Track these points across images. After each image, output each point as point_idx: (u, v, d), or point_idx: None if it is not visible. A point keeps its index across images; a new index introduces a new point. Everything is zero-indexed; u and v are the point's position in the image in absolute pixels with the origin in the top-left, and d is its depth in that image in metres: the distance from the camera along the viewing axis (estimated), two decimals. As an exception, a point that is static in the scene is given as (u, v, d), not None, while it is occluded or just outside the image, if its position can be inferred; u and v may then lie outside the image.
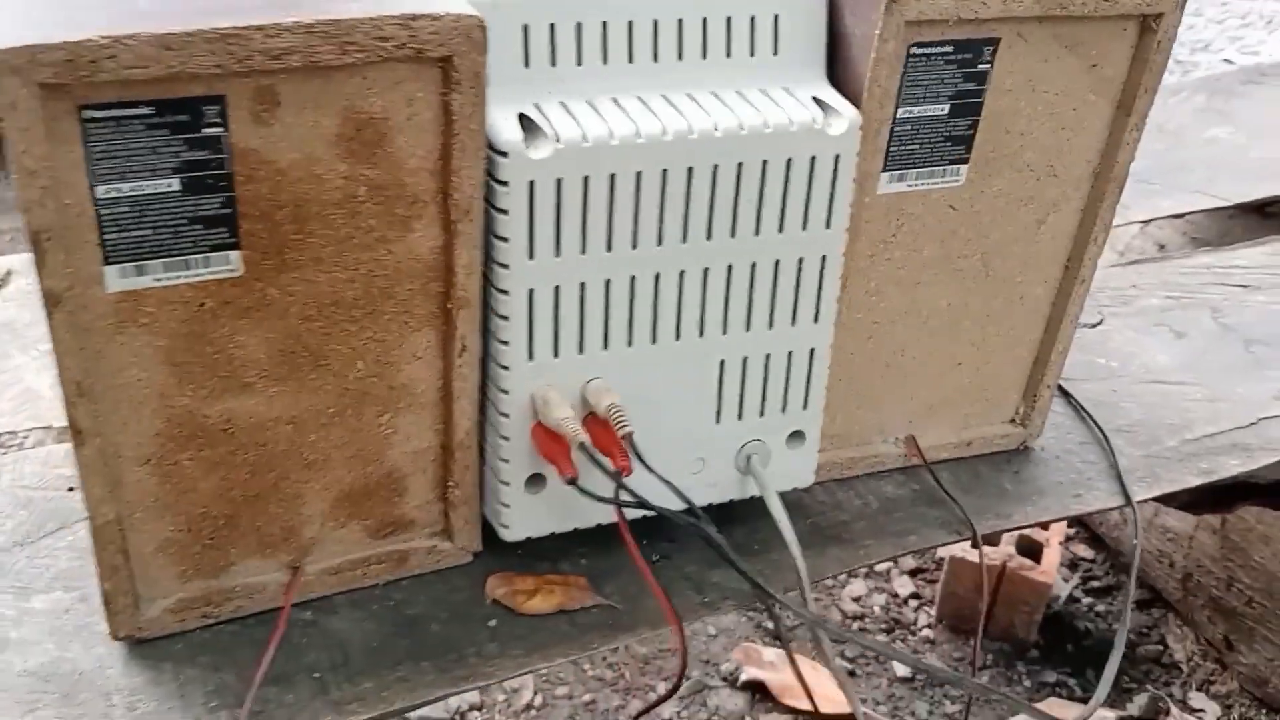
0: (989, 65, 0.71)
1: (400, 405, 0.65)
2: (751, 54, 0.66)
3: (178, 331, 0.57)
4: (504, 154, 0.59)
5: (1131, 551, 1.54)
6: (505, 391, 0.65)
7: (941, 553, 1.58)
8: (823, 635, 0.68)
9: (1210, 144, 1.54)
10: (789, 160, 0.65)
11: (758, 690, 1.39)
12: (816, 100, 0.66)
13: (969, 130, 0.73)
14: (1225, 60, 2.89)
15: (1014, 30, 0.70)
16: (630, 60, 0.64)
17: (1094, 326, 1.14)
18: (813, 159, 0.66)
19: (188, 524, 0.64)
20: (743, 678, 1.39)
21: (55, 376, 0.56)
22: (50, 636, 0.67)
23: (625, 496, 0.63)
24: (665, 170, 0.62)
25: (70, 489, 0.78)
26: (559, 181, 0.60)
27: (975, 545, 0.82)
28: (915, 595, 1.57)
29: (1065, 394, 0.99)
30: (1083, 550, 1.66)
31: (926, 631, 1.56)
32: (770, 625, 1.49)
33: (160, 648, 0.67)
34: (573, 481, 0.63)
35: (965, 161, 0.74)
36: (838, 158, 0.66)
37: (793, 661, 0.69)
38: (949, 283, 0.80)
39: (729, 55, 0.66)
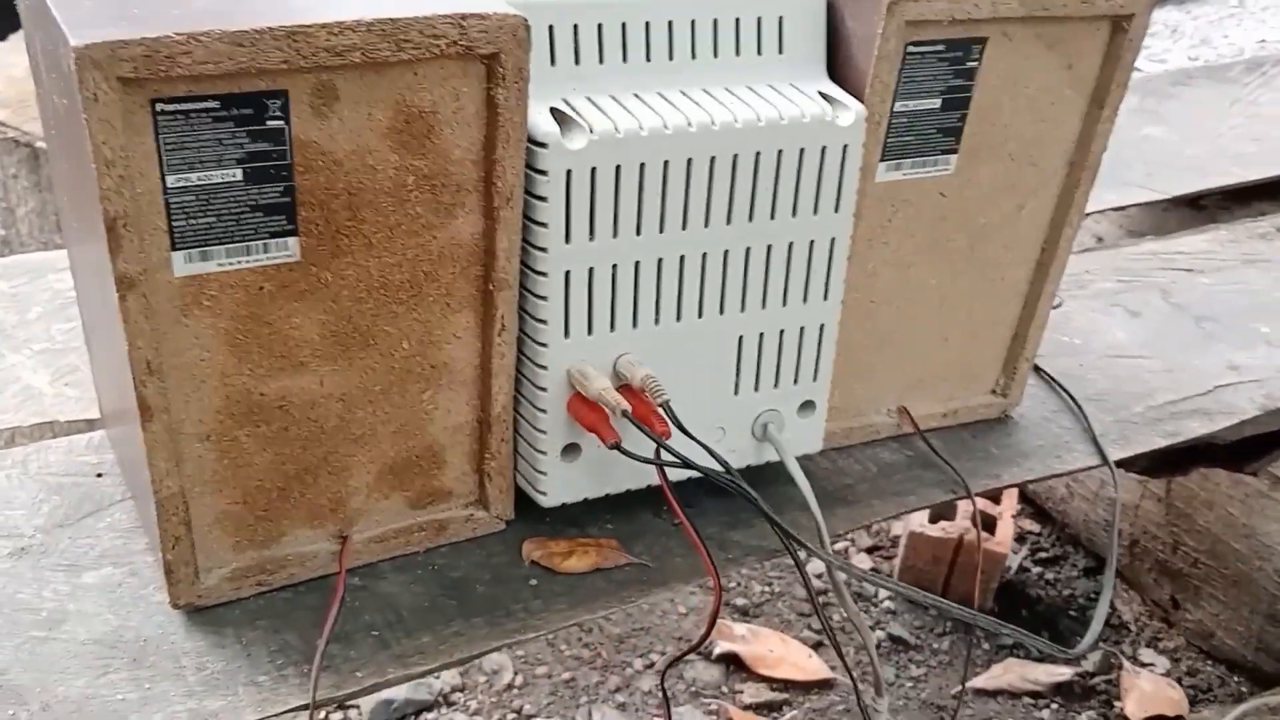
0: (977, 62, 0.71)
1: (441, 382, 0.65)
2: (759, 53, 0.67)
3: (238, 314, 0.57)
4: (543, 145, 0.58)
5: (1078, 523, 1.56)
6: (544, 367, 0.65)
7: (896, 530, 1.60)
8: (840, 578, 0.68)
9: (1145, 141, 1.56)
10: (802, 150, 0.65)
11: (732, 662, 1.40)
12: (823, 95, 0.67)
13: (958, 123, 0.73)
14: (1136, 68, 2.94)
15: (1000, 30, 0.71)
16: (648, 59, 0.64)
17: (1056, 308, 1.15)
18: (823, 149, 0.66)
19: (243, 496, 0.64)
20: (716, 651, 1.40)
21: (123, 356, 0.55)
22: (109, 608, 0.66)
23: (667, 457, 0.63)
24: (690, 159, 0.62)
25: (99, 475, 0.76)
26: (593, 170, 0.60)
27: (972, 504, 0.83)
28: (874, 570, 1.58)
29: (1037, 369, 1.00)
30: (1029, 524, 1.67)
31: (887, 603, 1.56)
32: (741, 602, 1.50)
33: (219, 614, 0.66)
34: (617, 446, 0.63)
35: (955, 152, 0.75)
36: (846, 147, 0.66)
37: (823, 617, 0.70)
38: (938, 264, 0.80)
39: (738, 54, 0.66)
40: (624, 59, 0.63)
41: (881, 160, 0.73)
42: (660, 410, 0.63)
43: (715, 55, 0.65)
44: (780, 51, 0.67)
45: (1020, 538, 1.65)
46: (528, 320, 0.64)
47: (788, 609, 1.54)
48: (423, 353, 0.63)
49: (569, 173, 0.59)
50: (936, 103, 0.72)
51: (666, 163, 0.62)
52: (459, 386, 0.66)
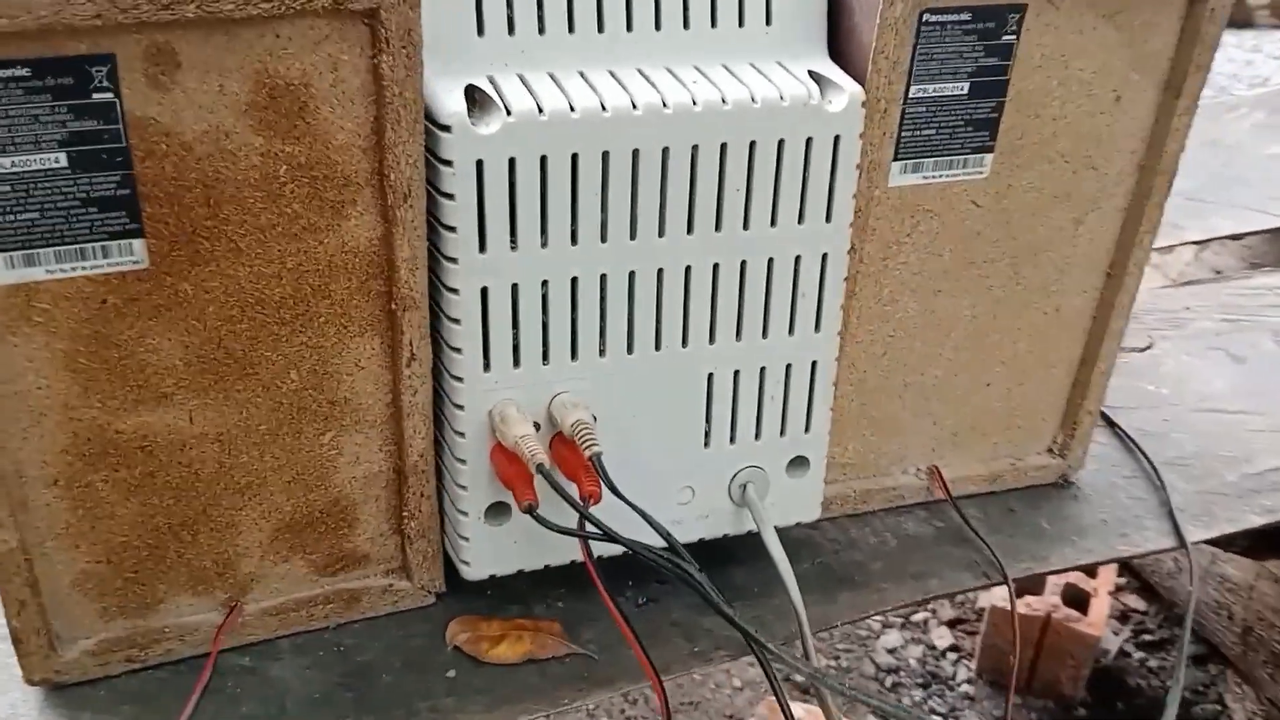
0: (1014, 37, 0.62)
1: (344, 422, 0.57)
2: (741, 24, 0.58)
3: (78, 332, 0.50)
4: (447, 128, 0.51)
5: (1186, 601, 1.42)
6: (460, 407, 0.57)
7: (982, 602, 1.47)
8: (825, 691, 0.58)
9: (1272, 161, 1.43)
10: (781, 141, 0.56)
11: (784, 750, 1.28)
12: (813, 75, 0.58)
13: (993, 113, 0.64)
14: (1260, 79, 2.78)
15: (1041, -4, 0.61)
16: (600, 30, 0.56)
17: (1143, 350, 1.04)
18: (809, 140, 0.57)
19: (107, 554, 0.56)
20: (767, 734, 1.28)
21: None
22: (-34, 681, 0.59)
23: (591, 528, 0.53)
24: (636, 150, 0.54)
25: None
26: (511, 161, 0.52)
27: (1008, 591, 0.72)
28: (954, 648, 1.46)
29: (1110, 423, 0.89)
30: (1134, 601, 1.53)
31: (966, 687, 1.44)
32: (799, 679, 1.39)
33: (80, 694, 0.59)
34: (531, 510, 0.54)
35: (989, 150, 0.65)
36: (837, 139, 0.57)
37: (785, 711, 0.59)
38: (973, 291, 0.70)
39: (714, 25, 0.58)
40: (570, 30, 0.55)
41: (895, 159, 0.63)
42: (591, 464, 0.54)
43: (686, 27, 0.57)
44: (768, 23, 0.59)
45: (1123, 616, 1.51)
46: (443, 349, 0.56)
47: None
48: (318, 385, 0.56)
49: (480, 164, 0.52)
50: (963, 87, 0.62)
51: (606, 154, 0.54)
52: (367, 428, 0.58)
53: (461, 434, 0.57)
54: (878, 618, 1.50)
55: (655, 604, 0.68)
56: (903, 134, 0.63)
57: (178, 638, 0.59)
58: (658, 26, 0.57)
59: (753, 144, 0.56)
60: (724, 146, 0.56)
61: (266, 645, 0.62)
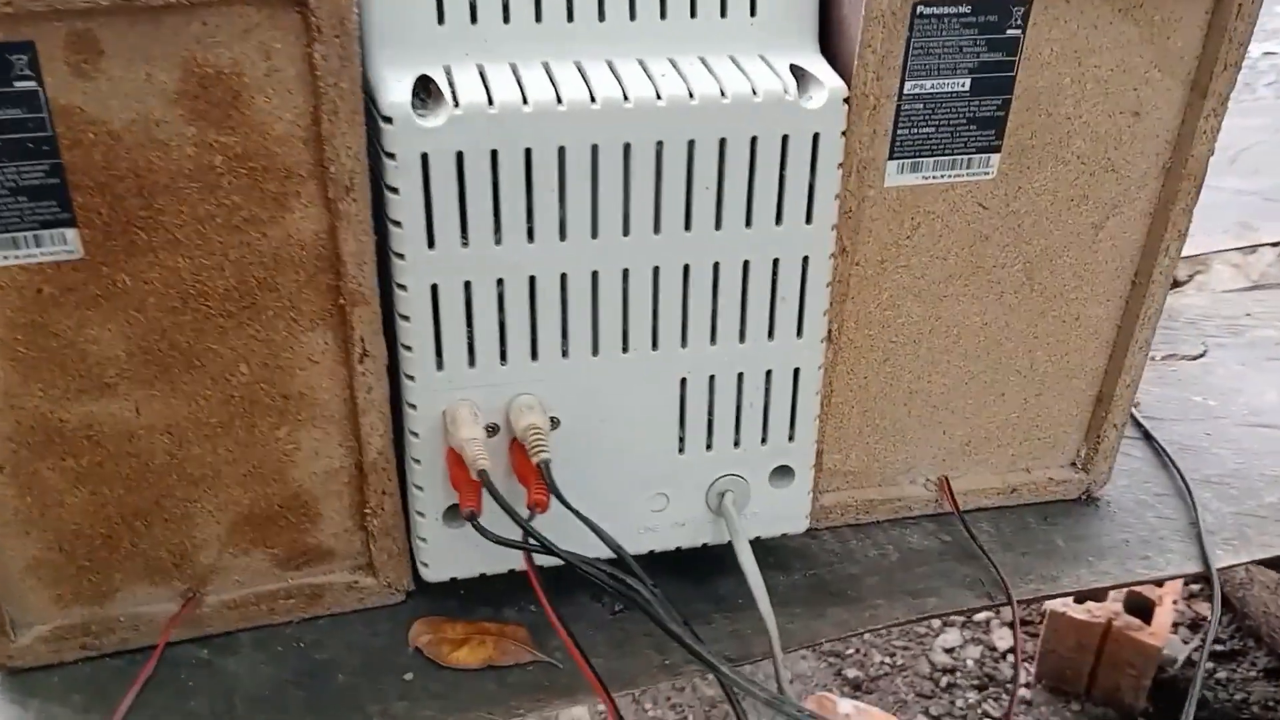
0: (1020, 30, 0.58)
1: (300, 417, 0.56)
2: (723, 14, 0.55)
3: (15, 321, 0.49)
4: (389, 119, 0.49)
5: (1259, 614, 1.36)
6: (413, 406, 0.55)
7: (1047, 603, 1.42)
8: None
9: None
10: (754, 139, 0.54)
11: (832, 747, 1.25)
12: (795, 69, 0.55)
13: (999, 111, 0.60)
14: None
15: (1049, -14, 0.57)
16: (570, 19, 0.53)
17: (1196, 359, 0.98)
18: (785, 138, 0.54)
19: (58, 542, 0.56)
20: (814, 731, 1.25)
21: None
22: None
23: (535, 540, 0.52)
24: (596, 146, 0.52)
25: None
26: (459, 155, 0.50)
27: (1012, 612, 0.69)
28: (1013, 649, 1.41)
29: (1148, 436, 0.84)
30: (1206, 609, 1.47)
31: (1024, 691, 1.39)
32: (853, 674, 1.36)
33: (34, 680, 0.59)
34: (473, 517, 0.52)
35: (996, 150, 0.61)
36: (816, 137, 0.54)
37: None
38: (983, 296, 0.66)
39: (694, 15, 0.55)
40: (537, 19, 0.53)
41: (891, 158, 0.60)
42: (540, 471, 0.52)
43: (663, 17, 0.55)
44: (753, 13, 0.56)
45: (1193, 624, 1.45)
46: (397, 345, 0.55)
47: (906, 686, 1.39)
48: (269, 379, 0.55)
49: (425, 157, 0.50)
50: (964, 84, 0.59)
51: (563, 149, 0.51)
52: (324, 423, 0.57)
53: (416, 433, 0.56)
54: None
55: (629, 612, 0.66)
56: (898, 131, 0.59)
57: (133, 627, 0.59)
58: (632, 16, 0.54)
59: (723, 141, 0.53)
60: (692, 143, 0.53)
61: (227, 638, 0.61)
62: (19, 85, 0.44)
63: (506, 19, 0.53)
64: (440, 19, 0.52)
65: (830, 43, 0.57)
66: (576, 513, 0.52)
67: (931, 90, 0.58)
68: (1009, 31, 0.58)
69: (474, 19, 0.52)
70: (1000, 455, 0.74)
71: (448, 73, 0.52)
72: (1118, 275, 0.68)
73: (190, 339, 0.52)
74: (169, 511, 0.57)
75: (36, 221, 0.47)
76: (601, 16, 0.54)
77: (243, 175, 0.49)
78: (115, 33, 0.44)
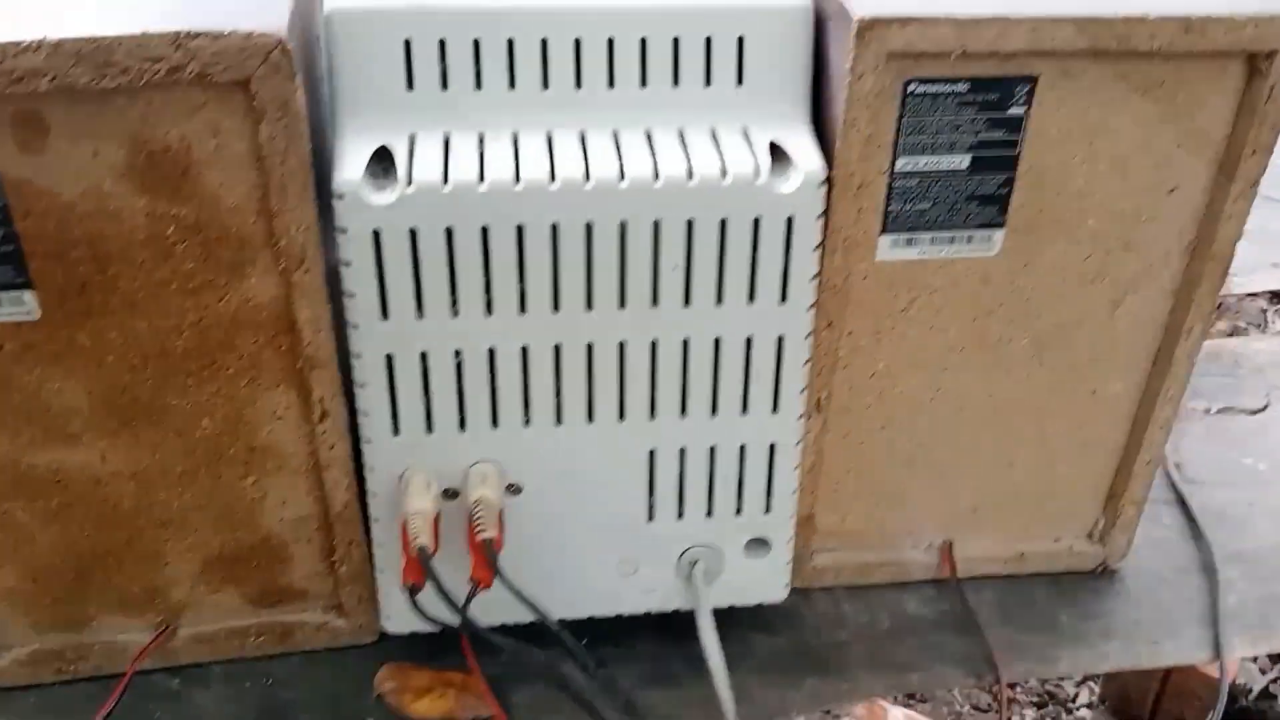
0: (1024, 109, 0.55)
1: (266, 467, 0.57)
2: (707, 83, 0.54)
3: (-21, 373, 0.51)
4: (340, 196, 0.49)
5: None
6: (371, 468, 0.56)
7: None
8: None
9: None
10: (724, 221, 0.52)
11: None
12: (774, 146, 0.53)
13: (1002, 188, 0.57)
14: None
15: (1057, 66, 0.54)
16: (545, 86, 0.52)
17: (1255, 413, 0.94)
18: (756, 221, 0.52)
19: (31, 575, 0.58)
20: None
21: None
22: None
23: (475, 624, 0.52)
24: (556, 225, 0.51)
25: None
26: (413, 232, 0.50)
27: (1000, 695, 0.67)
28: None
29: (1183, 502, 0.81)
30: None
31: (1084, 712, 1.36)
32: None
33: (11, 699, 0.62)
34: (414, 591, 0.52)
35: (1000, 226, 0.59)
36: (791, 220, 0.53)
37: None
38: (989, 369, 0.64)
39: (676, 83, 0.53)
40: (511, 85, 0.52)
41: (884, 233, 0.58)
42: (482, 549, 0.52)
43: (643, 84, 0.53)
44: (740, 82, 0.54)
45: (1275, 655, 1.40)
46: (357, 407, 0.55)
47: (963, 698, 1.37)
48: (233, 433, 0.56)
49: (377, 233, 0.50)
50: (963, 160, 0.56)
51: (521, 228, 0.51)
52: (291, 474, 0.58)
53: (374, 493, 0.56)
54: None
55: (603, 669, 0.65)
56: (890, 207, 0.57)
57: (107, 655, 0.61)
58: (611, 84, 0.53)
59: (690, 222, 0.52)
60: (657, 224, 0.52)
61: (199, 670, 0.63)
62: (-32, 158, 0.45)
63: (479, 85, 0.52)
64: (410, 84, 0.52)
65: (823, 110, 0.55)
66: (518, 593, 0.52)
67: (926, 168, 0.56)
68: (1011, 110, 0.55)
69: (445, 85, 0.52)
70: (1010, 522, 0.71)
71: (411, 141, 0.51)
72: (1138, 352, 0.65)
73: (151, 394, 0.53)
74: (139, 551, 0.59)
75: (-6, 284, 0.49)
76: (579, 84, 0.53)
77: (196, 244, 0.49)
78: (60, 112, 0.45)
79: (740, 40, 0.53)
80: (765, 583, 0.63)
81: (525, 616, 0.56)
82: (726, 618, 0.63)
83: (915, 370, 0.63)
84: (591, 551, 0.60)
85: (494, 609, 0.55)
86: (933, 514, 0.70)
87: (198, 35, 0.43)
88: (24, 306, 0.49)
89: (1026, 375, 0.65)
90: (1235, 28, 0.53)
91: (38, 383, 0.52)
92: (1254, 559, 0.77)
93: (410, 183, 0.49)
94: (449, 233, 0.50)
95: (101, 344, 0.51)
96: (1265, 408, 0.93)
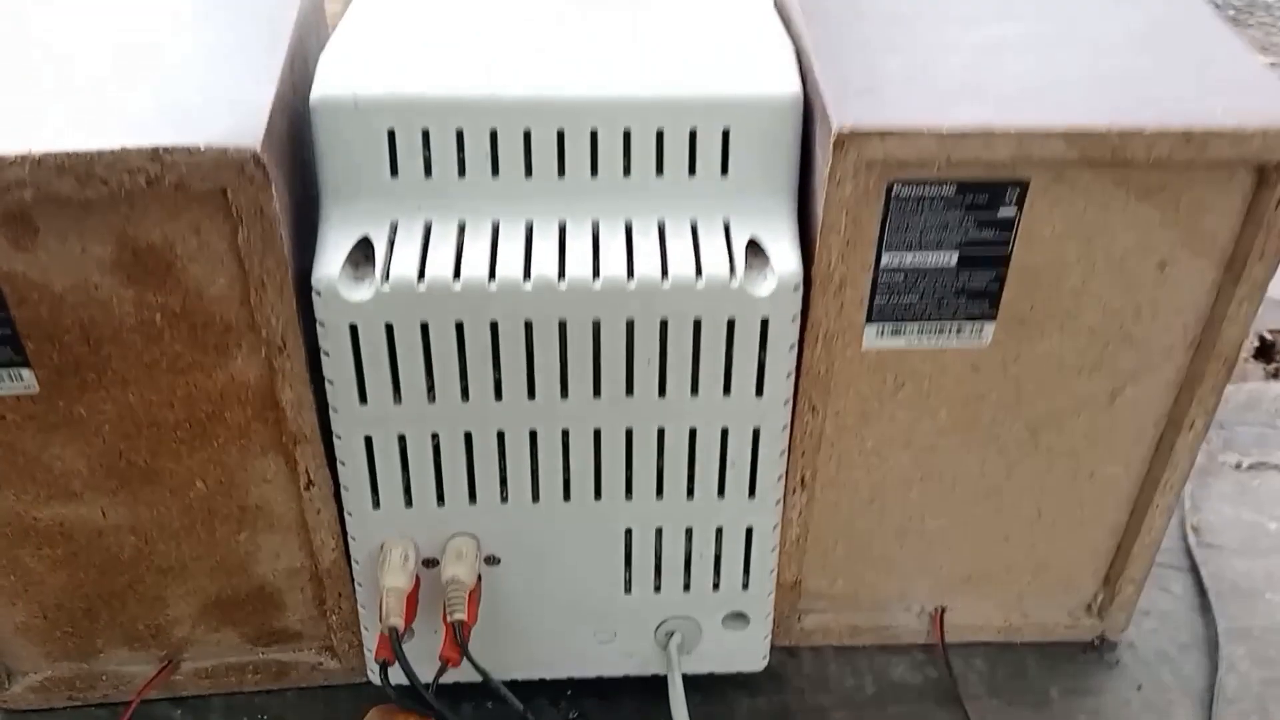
0: (1015, 211, 0.55)
1: (258, 525, 0.60)
2: (691, 173, 0.54)
3: (-15, 438, 0.54)
4: (317, 292, 0.50)
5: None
6: (353, 537, 0.58)
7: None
8: None
9: None
10: (698, 320, 0.53)
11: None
12: (754, 243, 0.53)
13: (993, 284, 0.57)
14: None
15: (1049, 173, 0.53)
16: (529, 174, 0.53)
17: (1290, 471, 0.91)
18: (731, 321, 0.53)
19: (42, 612, 0.62)
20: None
21: None
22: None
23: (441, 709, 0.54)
24: (529, 322, 0.52)
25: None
26: (389, 326, 0.51)
27: (974, 770, 0.68)
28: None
29: (1195, 569, 0.80)
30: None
31: None
32: None
33: (27, 720, 0.66)
34: (384, 667, 0.55)
35: (991, 319, 0.58)
36: (766, 321, 0.53)
37: None
38: (981, 449, 0.64)
39: (660, 173, 0.54)
40: (494, 173, 0.53)
41: (869, 322, 0.58)
42: (452, 629, 0.54)
43: (626, 173, 0.54)
44: (724, 172, 0.54)
45: None
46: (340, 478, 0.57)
47: None
48: (226, 494, 0.58)
49: (354, 327, 0.51)
50: (950, 258, 0.56)
51: (495, 323, 0.52)
52: (282, 530, 0.60)
53: (357, 560, 0.59)
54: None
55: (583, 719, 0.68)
56: (876, 300, 0.57)
57: (114, 684, 0.65)
58: (594, 173, 0.54)
59: (663, 322, 0.53)
60: (631, 322, 0.53)
61: (200, 700, 0.67)
62: (-35, 254, 0.48)
63: (462, 173, 0.53)
64: (394, 171, 0.53)
65: (809, 198, 0.55)
66: (484, 674, 0.55)
67: (912, 264, 0.56)
68: (1002, 212, 0.55)
69: (428, 173, 0.53)
70: (1004, 592, 0.72)
71: (393, 229, 0.53)
72: (1138, 441, 0.64)
73: (146, 459, 0.56)
74: (141, 594, 0.62)
75: (-6, 362, 0.51)
76: (561, 173, 0.54)
77: (183, 329, 0.52)
78: (48, 215, 0.47)
79: (725, 132, 0.53)
80: (744, 653, 0.65)
81: (504, 672, 0.59)
82: (711, 676, 0.65)
83: (905, 449, 0.64)
84: (568, 619, 0.62)
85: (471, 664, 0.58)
86: (924, 581, 0.71)
87: (174, 150, 0.45)
88: (23, 382, 0.52)
89: (1021, 456, 0.64)
90: (1241, 140, 0.52)
91: (40, 448, 0.55)
92: (1261, 637, 0.76)
93: (387, 279, 0.51)
94: (424, 327, 0.52)
95: (97, 415, 0.54)
96: (1299, 466, 0.91)
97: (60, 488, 0.57)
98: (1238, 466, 0.91)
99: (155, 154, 0.45)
